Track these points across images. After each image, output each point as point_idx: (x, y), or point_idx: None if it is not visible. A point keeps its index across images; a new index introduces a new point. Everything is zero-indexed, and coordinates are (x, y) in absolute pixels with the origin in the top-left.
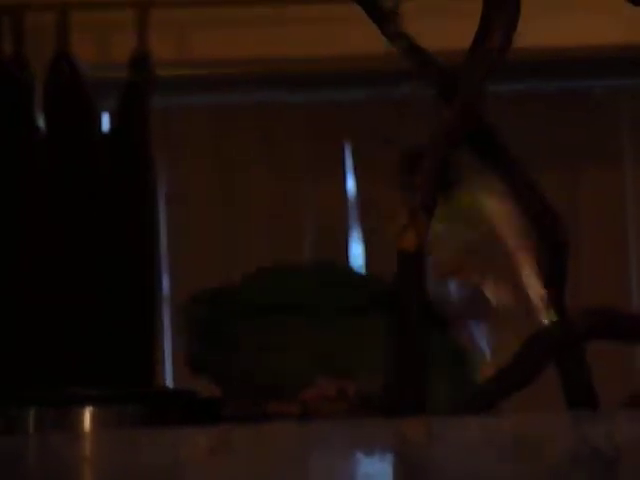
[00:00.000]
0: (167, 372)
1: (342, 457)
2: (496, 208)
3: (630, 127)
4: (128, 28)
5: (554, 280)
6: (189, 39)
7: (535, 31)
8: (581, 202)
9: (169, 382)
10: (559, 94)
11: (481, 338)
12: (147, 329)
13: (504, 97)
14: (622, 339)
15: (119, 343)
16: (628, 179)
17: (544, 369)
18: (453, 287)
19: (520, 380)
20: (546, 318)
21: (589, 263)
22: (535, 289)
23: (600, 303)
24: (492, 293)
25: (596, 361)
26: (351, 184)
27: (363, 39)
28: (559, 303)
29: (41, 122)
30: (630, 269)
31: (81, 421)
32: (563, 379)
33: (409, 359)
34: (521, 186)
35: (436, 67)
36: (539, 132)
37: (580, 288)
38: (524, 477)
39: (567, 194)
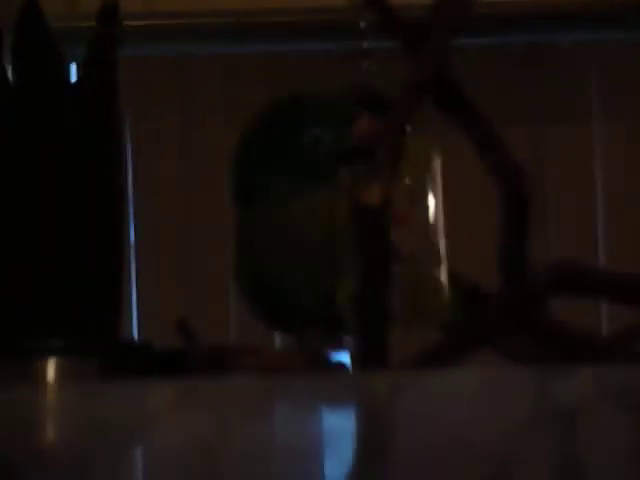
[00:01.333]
0: (133, 324)
1: (306, 410)
2: (435, 170)
3: (599, 81)
4: None
5: (515, 233)
6: None
7: None
8: (549, 157)
9: (135, 334)
10: (527, 48)
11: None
12: (113, 279)
13: (471, 51)
14: (587, 295)
15: (83, 292)
16: (596, 134)
17: (507, 326)
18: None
19: (481, 337)
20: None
21: (556, 218)
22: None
23: (567, 259)
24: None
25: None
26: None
27: None
28: (521, 257)
29: (10, 73)
30: (597, 224)
31: (44, 372)
32: (529, 336)
33: (374, 314)
34: (485, 139)
35: (399, 19)
36: (507, 87)
37: (547, 243)
38: (488, 429)
39: (535, 149)
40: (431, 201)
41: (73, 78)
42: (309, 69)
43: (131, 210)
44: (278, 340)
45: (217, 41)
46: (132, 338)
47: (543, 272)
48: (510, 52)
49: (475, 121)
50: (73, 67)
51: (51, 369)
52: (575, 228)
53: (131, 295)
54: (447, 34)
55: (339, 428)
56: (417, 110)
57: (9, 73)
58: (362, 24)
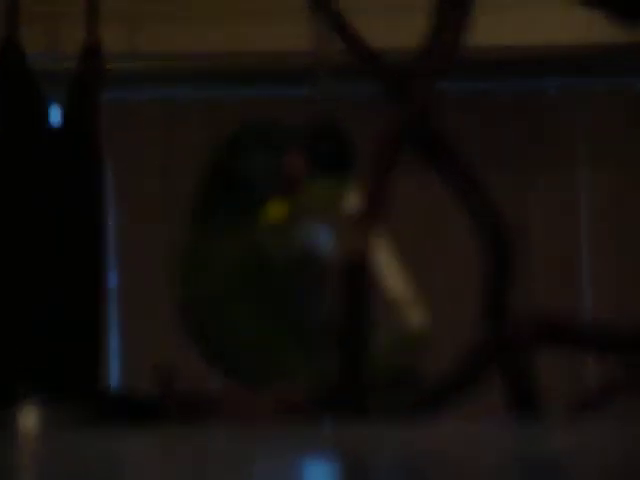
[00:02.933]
0: (114, 371)
1: (283, 461)
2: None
3: (584, 129)
4: (78, 19)
5: (497, 286)
6: (139, 31)
7: (490, 29)
8: (534, 205)
9: (116, 381)
10: (513, 96)
11: None
12: (94, 327)
13: (458, 97)
14: (565, 346)
15: (63, 342)
16: (581, 182)
17: (485, 374)
18: None
19: (459, 387)
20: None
21: (541, 268)
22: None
23: (552, 309)
24: None
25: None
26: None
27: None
28: (501, 305)
29: None
30: (583, 274)
31: (22, 421)
32: (507, 386)
33: (354, 363)
34: (467, 187)
35: (382, 64)
36: (493, 134)
37: (532, 293)
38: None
39: (519, 197)
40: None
41: (55, 120)
42: (289, 112)
43: (114, 255)
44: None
45: (200, 83)
46: (110, 387)
47: (525, 324)
48: (496, 99)
49: (457, 169)
50: (55, 109)
51: (29, 417)
52: (560, 275)
53: (113, 341)
54: (430, 80)
55: (318, 478)
56: (398, 157)
57: None
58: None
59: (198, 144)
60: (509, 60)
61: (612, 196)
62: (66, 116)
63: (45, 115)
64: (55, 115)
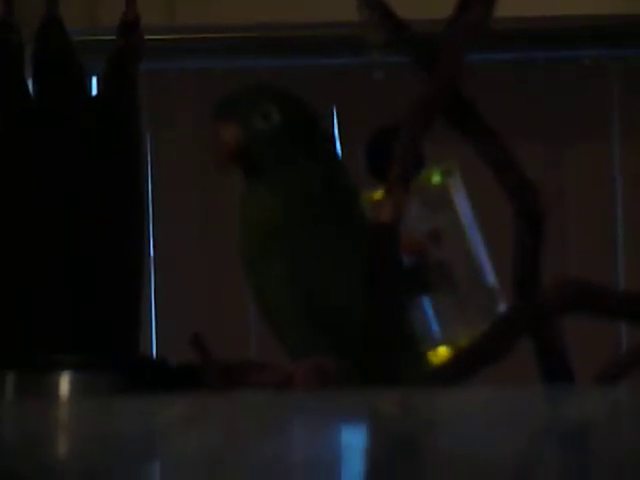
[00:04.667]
0: (152, 339)
1: (317, 427)
2: (457, 187)
3: (619, 98)
4: None
5: (530, 253)
6: (177, 4)
7: (525, 1)
8: (569, 174)
9: (154, 349)
10: (547, 64)
11: (434, 314)
12: (132, 295)
13: (491, 66)
14: (595, 313)
15: (100, 308)
16: (615, 152)
17: (517, 343)
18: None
19: (493, 353)
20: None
21: (576, 239)
22: (491, 273)
23: (585, 277)
24: (450, 271)
25: (582, 333)
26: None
27: (346, 5)
28: (533, 277)
29: (30, 85)
30: (617, 244)
31: (58, 387)
32: (537, 353)
33: (383, 330)
34: (499, 159)
35: (412, 36)
36: (526, 102)
37: (566, 264)
38: (498, 449)
39: (553, 166)
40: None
41: (94, 91)
42: (323, 83)
43: (150, 225)
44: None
45: (239, 55)
46: (147, 353)
47: (555, 290)
48: (530, 67)
49: (489, 140)
50: (94, 80)
51: (64, 383)
52: (594, 246)
53: (150, 310)
54: (460, 51)
55: (350, 444)
56: (430, 127)
57: (29, 86)
58: (374, 39)
59: None
60: (542, 29)
61: None
62: (106, 87)
63: (85, 86)
64: (94, 87)
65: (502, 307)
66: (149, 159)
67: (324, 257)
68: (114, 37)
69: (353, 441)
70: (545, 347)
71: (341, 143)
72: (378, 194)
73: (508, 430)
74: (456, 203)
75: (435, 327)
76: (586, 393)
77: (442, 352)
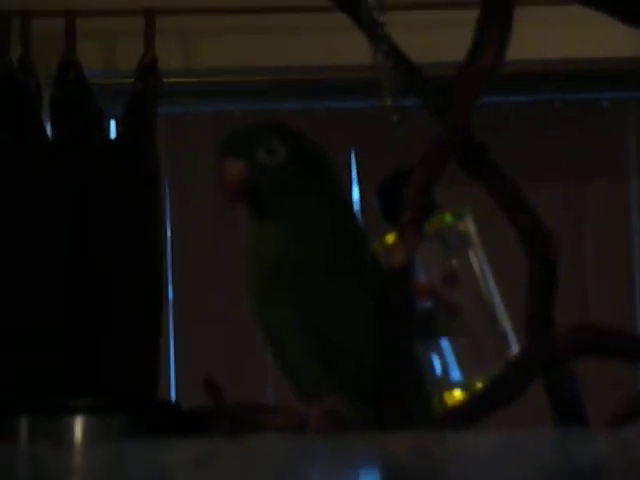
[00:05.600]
0: (171, 383)
1: (331, 473)
2: (470, 230)
3: (636, 139)
4: (135, 35)
5: (541, 295)
6: (194, 46)
7: (543, 43)
8: (587, 215)
9: (173, 395)
10: (566, 107)
11: (449, 357)
12: (150, 341)
13: (512, 109)
14: (607, 356)
15: (121, 354)
16: (634, 191)
17: (530, 385)
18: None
19: (506, 396)
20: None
21: (594, 279)
22: (504, 316)
23: (604, 319)
24: (464, 314)
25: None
26: (355, 191)
27: (362, 49)
28: (546, 318)
29: (48, 127)
30: (635, 282)
31: (71, 430)
32: (550, 395)
33: (400, 369)
34: (511, 201)
35: (425, 82)
36: (546, 144)
37: (585, 303)
38: None
39: (573, 207)
40: (477, 268)
41: (112, 134)
42: (340, 125)
43: (169, 269)
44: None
45: (257, 98)
46: (160, 397)
47: (568, 333)
48: (550, 110)
49: (501, 182)
50: (112, 122)
51: (78, 427)
52: (613, 286)
53: (169, 355)
54: (472, 95)
55: None
56: (442, 171)
57: (47, 128)
58: (388, 83)
59: None
60: (560, 73)
61: None
62: (124, 130)
63: (103, 128)
64: (113, 128)
65: (515, 351)
66: (167, 201)
67: (332, 296)
68: (132, 80)
69: None
70: (557, 390)
71: (359, 184)
72: (391, 237)
73: (519, 473)
74: (470, 247)
75: (450, 370)
76: (597, 436)
77: (457, 395)
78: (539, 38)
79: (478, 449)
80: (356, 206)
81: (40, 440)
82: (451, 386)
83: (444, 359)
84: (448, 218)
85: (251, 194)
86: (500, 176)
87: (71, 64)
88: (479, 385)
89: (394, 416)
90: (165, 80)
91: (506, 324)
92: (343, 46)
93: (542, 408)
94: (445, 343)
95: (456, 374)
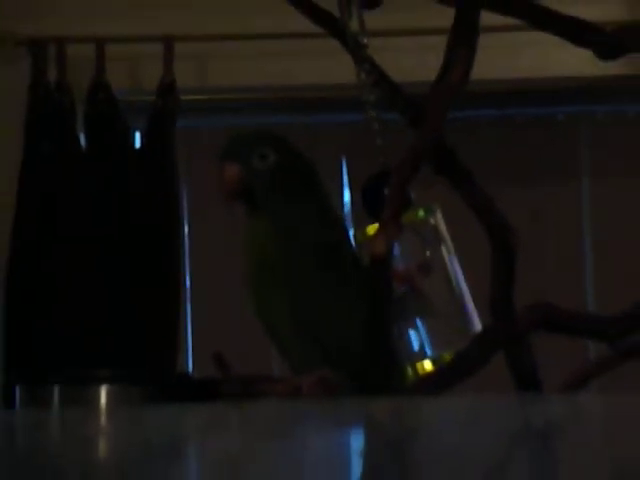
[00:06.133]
0: (189, 360)
1: (321, 431)
2: (440, 225)
3: (588, 149)
4: (156, 59)
5: (503, 282)
6: (208, 68)
7: (507, 64)
8: (543, 214)
9: (190, 368)
10: (525, 120)
11: (421, 334)
12: (171, 321)
13: (479, 122)
14: (559, 331)
15: (146, 331)
16: (585, 193)
17: (492, 357)
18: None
19: (472, 367)
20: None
21: (549, 268)
22: (470, 300)
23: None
24: (435, 298)
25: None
26: (347, 197)
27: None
28: (507, 301)
29: (82, 140)
30: (586, 271)
31: (97, 398)
32: (511, 366)
33: (380, 347)
34: (477, 200)
35: (403, 97)
36: (509, 153)
37: (542, 292)
38: (477, 450)
39: (531, 207)
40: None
41: (136, 144)
42: (333, 135)
43: (187, 259)
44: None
45: (262, 113)
46: (176, 370)
47: (526, 312)
48: (511, 123)
49: (470, 185)
50: (137, 135)
51: (103, 395)
52: (566, 275)
53: (187, 334)
54: (443, 107)
55: (348, 446)
56: (416, 174)
57: (81, 139)
58: (370, 97)
59: None
60: (523, 90)
61: (612, 204)
62: (147, 141)
63: (129, 140)
64: (137, 140)
65: (479, 329)
66: (185, 202)
67: (317, 284)
68: (154, 98)
69: (351, 443)
70: (517, 361)
71: (350, 188)
72: (372, 229)
73: (484, 433)
74: (440, 239)
75: (422, 345)
76: (552, 400)
77: (427, 366)
78: (503, 59)
79: (448, 413)
80: (347, 206)
81: (69, 406)
82: (422, 358)
83: (417, 336)
84: (421, 213)
85: (246, 194)
86: (467, 178)
87: (101, 84)
88: (447, 358)
89: (377, 384)
90: (182, 97)
91: (471, 307)
92: (338, 67)
93: (504, 377)
94: (418, 322)
95: (427, 348)
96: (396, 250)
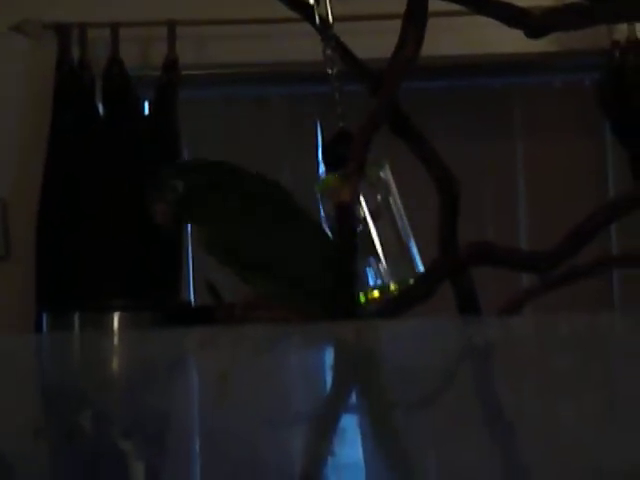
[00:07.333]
0: (190, 287)
1: (299, 350)
2: (389, 177)
3: (520, 113)
4: (162, 40)
5: (449, 223)
6: (205, 47)
7: (453, 41)
8: (483, 166)
9: (191, 295)
10: (468, 90)
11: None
12: (174, 258)
13: (430, 93)
14: (495, 265)
15: (153, 266)
16: (519, 150)
17: (439, 287)
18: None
19: (422, 294)
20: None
21: (488, 212)
22: (413, 243)
23: (492, 240)
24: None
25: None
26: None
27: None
28: (452, 240)
29: (100, 109)
30: (519, 216)
31: (111, 323)
32: (455, 293)
33: (345, 280)
34: (427, 156)
35: (365, 70)
36: (455, 118)
37: (482, 233)
38: (425, 365)
39: (473, 161)
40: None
41: (145, 112)
42: (313, 106)
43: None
44: None
45: (253, 85)
46: (178, 299)
47: (468, 248)
48: (457, 93)
49: (421, 143)
50: (145, 104)
51: (115, 321)
52: (501, 218)
53: (189, 264)
54: (398, 77)
55: (320, 362)
56: (375, 133)
57: (100, 109)
58: (334, 72)
59: (249, 133)
60: (468, 64)
61: (543, 159)
62: (154, 110)
63: (140, 109)
64: (146, 109)
65: (420, 268)
66: (185, 157)
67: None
68: (159, 73)
69: (323, 359)
70: (460, 289)
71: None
72: (332, 180)
73: (432, 350)
74: (389, 190)
75: (373, 277)
76: (490, 322)
77: (376, 294)
78: (449, 38)
79: (402, 333)
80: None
81: (88, 330)
82: (372, 288)
83: (370, 269)
84: (374, 168)
85: (175, 221)
86: (419, 138)
87: (116, 62)
88: (392, 288)
89: (341, 311)
90: (183, 72)
91: (414, 247)
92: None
93: (449, 303)
94: (370, 258)
95: (377, 280)
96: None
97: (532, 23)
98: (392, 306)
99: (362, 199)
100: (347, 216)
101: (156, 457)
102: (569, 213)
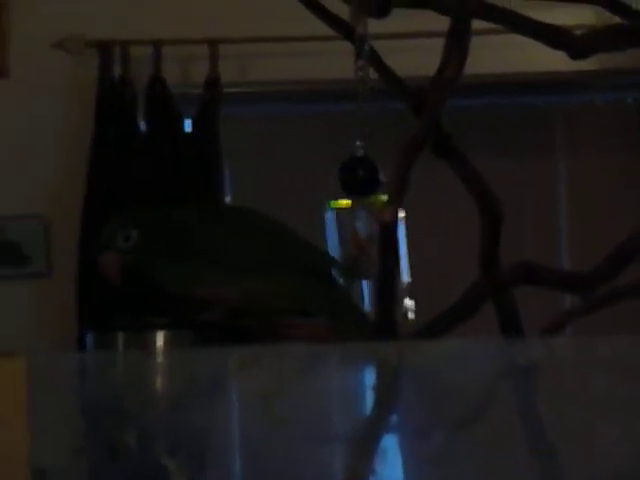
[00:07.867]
0: None
1: (339, 370)
2: None
3: (562, 131)
4: (203, 58)
5: (491, 243)
6: (247, 65)
7: (495, 61)
8: (525, 187)
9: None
10: (510, 108)
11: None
12: None
13: (472, 111)
14: (537, 285)
15: None
16: (561, 170)
17: (481, 307)
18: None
19: (464, 314)
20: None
21: (529, 232)
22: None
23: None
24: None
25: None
26: None
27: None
28: (493, 260)
29: (142, 126)
30: (561, 234)
31: (154, 342)
32: (497, 313)
33: (388, 299)
34: (469, 176)
35: (406, 88)
36: (497, 136)
37: (523, 252)
38: (467, 386)
39: (514, 181)
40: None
41: (187, 129)
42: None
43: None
44: None
45: (291, 102)
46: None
47: (509, 268)
48: (499, 110)
49: (463, 163)
50: (187, 121)
51: (160, 340)
52: (542, 237)
53: None
54: (441, 98)
55: (360, 383)
56: (418, 154)
57: (141, 125)
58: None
59: (291, 150)
60: (509, 82)
61: (586, 180)
62: (196, 127)
63: (181, 127)
64: (188, 126)
65: (407, 287)
66: (227, 176)
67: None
68: (201, 90)
69: (365, 379)
70: (503, 309)
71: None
72: (343, 203)
73: (475, 369)
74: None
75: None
76: (533, 343)
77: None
78: (492, 57)
79: (443, 353)
80: None
81: (132, 349)
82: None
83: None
84: (383, 197)
85: (127, 272)
86: (462, 159)
87: (158, 79)
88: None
89: (385, 333)
90: (225, 90)
91: (405, 266)
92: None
93: (492, 324)
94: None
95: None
96: (357, 223)
97: (576, 45)
98: (434, 326)
99: (361, 225)
100: (390, 236)
101: (198, 475)
102: (611, 232)
